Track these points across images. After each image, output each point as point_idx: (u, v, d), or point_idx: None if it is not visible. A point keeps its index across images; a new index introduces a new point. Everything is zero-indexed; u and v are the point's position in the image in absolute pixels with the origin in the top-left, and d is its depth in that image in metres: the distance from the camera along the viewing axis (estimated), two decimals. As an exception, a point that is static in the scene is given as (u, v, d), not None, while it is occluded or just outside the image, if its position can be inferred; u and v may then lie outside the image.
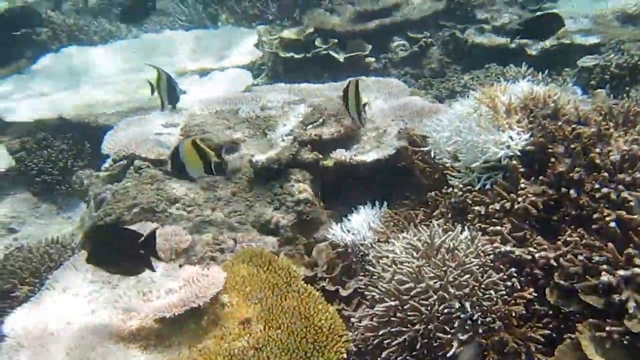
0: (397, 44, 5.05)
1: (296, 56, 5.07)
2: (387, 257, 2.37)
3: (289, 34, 5.25)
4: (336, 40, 5.00)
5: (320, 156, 3.37)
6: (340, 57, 4.93)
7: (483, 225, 2.27)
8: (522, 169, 2.31)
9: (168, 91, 3.57)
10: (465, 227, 2.31)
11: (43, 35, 5.63)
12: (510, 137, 2.33)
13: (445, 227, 2.38)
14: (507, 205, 2.23)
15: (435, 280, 2.13)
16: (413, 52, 5.02)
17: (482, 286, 2.09)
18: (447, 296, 2.09)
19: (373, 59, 5.01)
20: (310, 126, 3.57)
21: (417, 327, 2.11)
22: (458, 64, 4.95)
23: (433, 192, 2.74)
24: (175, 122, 3.99)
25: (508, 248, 2.15)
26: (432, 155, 2.80)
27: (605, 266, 1.93)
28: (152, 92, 3.51)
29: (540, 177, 2.26)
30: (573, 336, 1.93)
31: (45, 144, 4.38)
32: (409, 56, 5.01)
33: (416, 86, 4.79)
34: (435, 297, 2.11)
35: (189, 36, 5.73)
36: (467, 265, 2.13)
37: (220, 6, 6.09)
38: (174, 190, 3.24)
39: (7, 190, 4.20)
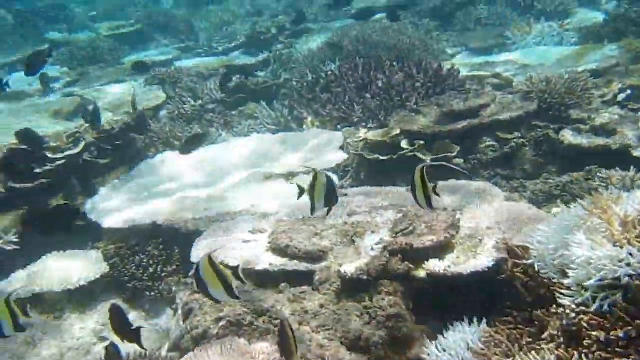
0: (487, 145, 4.92)
1: (382, 158, 5.03)
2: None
3: (374, 135, 5.25)
4: (423, 142, 4.93)
5: (412, 267, 3.22)
6: (427, 158, 4.84)
7: (605, 355, 2.02)
8: (646, 290, 2.07)
9: (326, 194, 3.34)
10: (583, 356, 2.06)
11: (141, 143, 5.91)
12: (630, 254, 2.11)
13: (558, 353, 2.14)
14: (633, 332, 1.98)
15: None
16: (503, 153, 4.86)
17: None
18: None
19: (461, 160, 4.88)
20: (400, 234, 3.44)
21: None
22: (553, 166, 4.73)
23: (539, 311, 2.51)
24: (262, 228, 3.98)
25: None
26: (536, 268, 2.59)
27: None
28: (300, 195, 3.31)
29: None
30: None
31: (138, 250, 4.46)
32: (499, 157, 4.85)
33: (508, 188, 4.60)
34: None
35: (275, 139, 5.87)
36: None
37: (306, 109, 6.22)
38: (262, 303, 3.16)
39: (99, 297, 4.26)
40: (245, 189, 4.98)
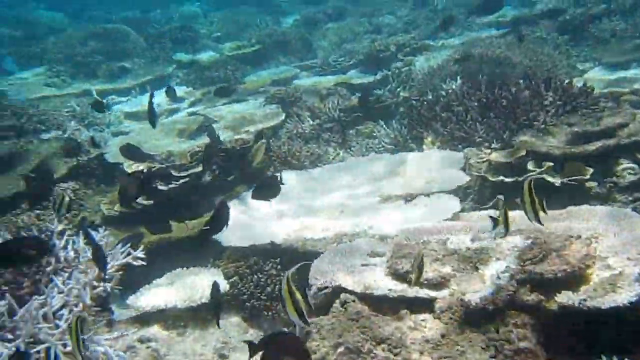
0: (624, 167, 4.59)
1: (506, 180, 4.83)
2: None
3: (498, 156, 5.06)
4: (551, 164, 4.68)
5: (542, 298, 3.04)
6: (557, 181, 4.59)
7: None
8: None
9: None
10: None
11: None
12: None
13: None
14: None
15: None
16: (645, 176, 4.51)
17: None
18: None
19: (595, 184, 4.58)
20: (528, 262, 3.27)
21: None
22: None
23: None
24: (380, 251, 3.93)
25: None
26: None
27: None
28: (495, 226, 3.28)
29: None
30: None
31: (256, 269, 4.56)
32: (639, 181, 4.51)
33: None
34: None
35: (394, 159, 5.82)
36: None
37: (425, 129, 6.12)
38: (381, 330, 3.11)
39: (220, 314, 4.38)
40: (362, 210, 4.96)
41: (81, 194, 5.79)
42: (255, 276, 4.53)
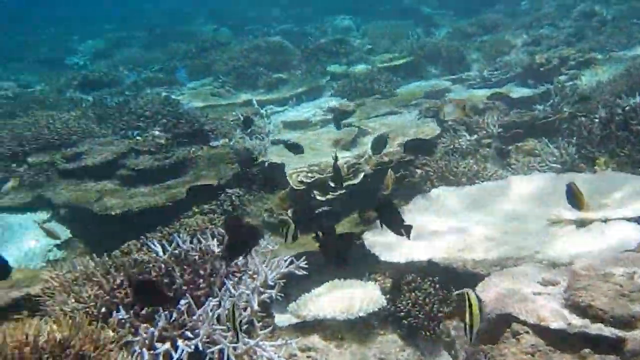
0: None
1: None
2: None
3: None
4: None
5: None
6: None
7: None
8: None
9: None
10: None
11: (416, 177, 5.94)
12: None
13: None
14: None
15: None
16: None
17: None
18: None
19: None
20: None
21: None
22: None
23: None
24: (553, 279, 3.65)
25: None
26: None
27: None
28: None
29: None
30: None
31: (414, 287, 4.43)
32: None
33: None
34: None
35: (561, 180, 5.42)
36: None
37: (597, 148, 5.65)
38: (560, 367, 2.86)
39: (376, 329, 4.32)
40: (527, 233, 4.66)
41: (244, 199, 5.98)
42: (413, 294, 4.40)
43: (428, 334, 4.25)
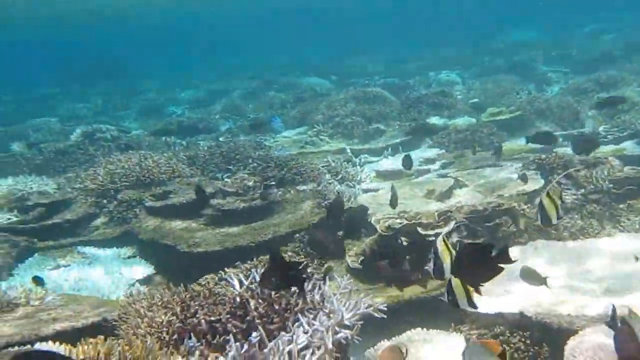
0: None
1: None
2: None
3: None
4: None
5: None
6: None
7: None
8: None
9: None
10: None
11: (513, 227, 5.80)
12: None
13: None
14: None
15: None
16: None
17: None
18: None
19: None
20: None
21: None
22: None
23: None
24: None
25: None
26: None
27: None
28: None
29: None
30: None
31: (502, 340, 4.27)
32: None
33: None
34: None
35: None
36: None
37: None
38: None
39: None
40: (629, 290, 4.41)
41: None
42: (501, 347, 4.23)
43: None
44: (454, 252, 3.52)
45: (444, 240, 3.51)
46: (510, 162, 8.63)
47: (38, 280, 5.28)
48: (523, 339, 4.27)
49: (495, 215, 5.88)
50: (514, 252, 5.37)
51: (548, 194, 3.97)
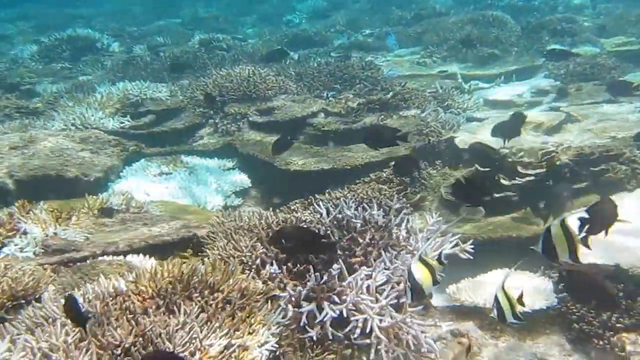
0: None
1: None
2: None
3: None
4: None
5: None
6: None
7: None
8: None
9: None
10: None
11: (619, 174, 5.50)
12: None
13: None
14: None
15: None
16: None
17: None
18: None
19: None
20: None
21: None
22: None
23: None
24: None
25: None
26: None
27: None
28: None
29: None
30: None
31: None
32: None
33: None
34: None
35: None
36: None
37: None
38: None
39: (540, 327, 4.13)
40: None
41: (424, 174, 5.99)
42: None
43: (602, 343, 3.96)
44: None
45: (421, 261, 3.17)
46: (632, 98, 8.01)
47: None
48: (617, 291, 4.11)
49: (603, 160, 5.57)
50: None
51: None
